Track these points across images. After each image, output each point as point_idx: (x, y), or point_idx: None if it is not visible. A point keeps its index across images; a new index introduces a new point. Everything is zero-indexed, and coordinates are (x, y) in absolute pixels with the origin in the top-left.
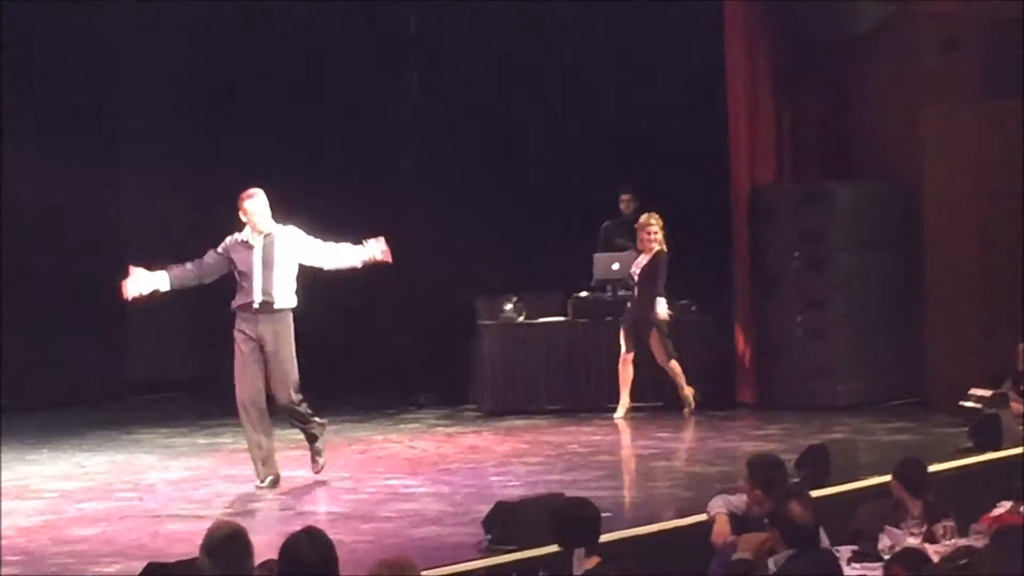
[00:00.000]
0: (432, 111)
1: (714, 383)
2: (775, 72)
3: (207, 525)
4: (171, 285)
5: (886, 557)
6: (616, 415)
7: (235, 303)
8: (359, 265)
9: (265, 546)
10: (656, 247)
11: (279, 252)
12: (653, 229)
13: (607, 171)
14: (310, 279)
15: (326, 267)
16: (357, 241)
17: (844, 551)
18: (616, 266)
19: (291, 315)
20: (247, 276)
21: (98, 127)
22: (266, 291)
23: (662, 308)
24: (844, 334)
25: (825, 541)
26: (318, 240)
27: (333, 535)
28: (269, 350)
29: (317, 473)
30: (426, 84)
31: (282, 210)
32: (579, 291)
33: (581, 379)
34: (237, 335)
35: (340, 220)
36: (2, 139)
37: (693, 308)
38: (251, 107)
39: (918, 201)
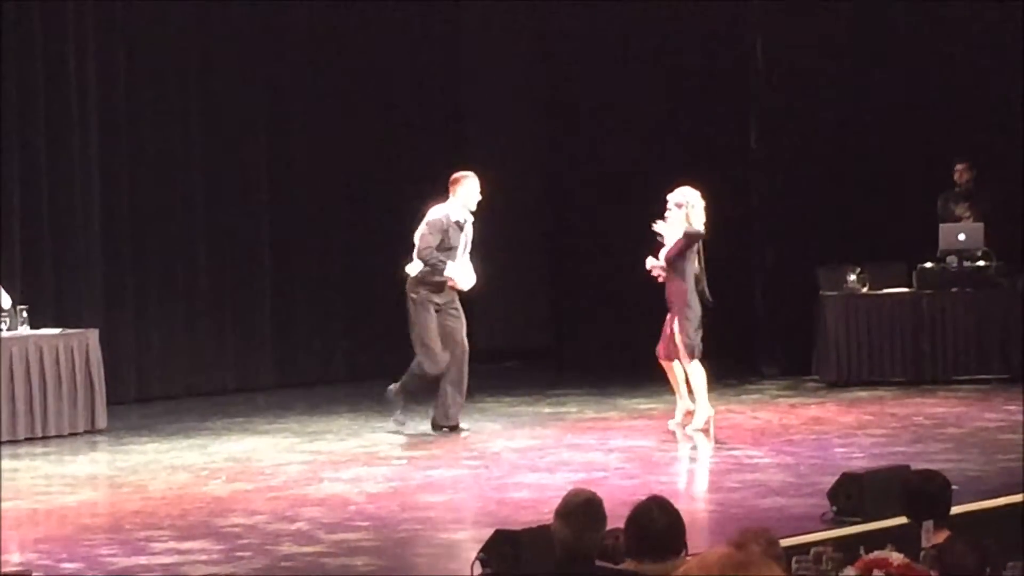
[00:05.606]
0: (777, 86)
1: None
2: None
3: (552, 494)
4: None
5: None
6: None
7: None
8: None
9: (609, 515)
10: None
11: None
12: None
13: (947, 139)
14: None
15: None
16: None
17: None
18: (962, 236)
19: None
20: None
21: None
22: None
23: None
24: None
25: None
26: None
27: (676, 505)
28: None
29: None
30: (770, 55)
31: (621, 186)
32: (923, 262)
33: (926, 350)
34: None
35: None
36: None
37: None
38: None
39: None
